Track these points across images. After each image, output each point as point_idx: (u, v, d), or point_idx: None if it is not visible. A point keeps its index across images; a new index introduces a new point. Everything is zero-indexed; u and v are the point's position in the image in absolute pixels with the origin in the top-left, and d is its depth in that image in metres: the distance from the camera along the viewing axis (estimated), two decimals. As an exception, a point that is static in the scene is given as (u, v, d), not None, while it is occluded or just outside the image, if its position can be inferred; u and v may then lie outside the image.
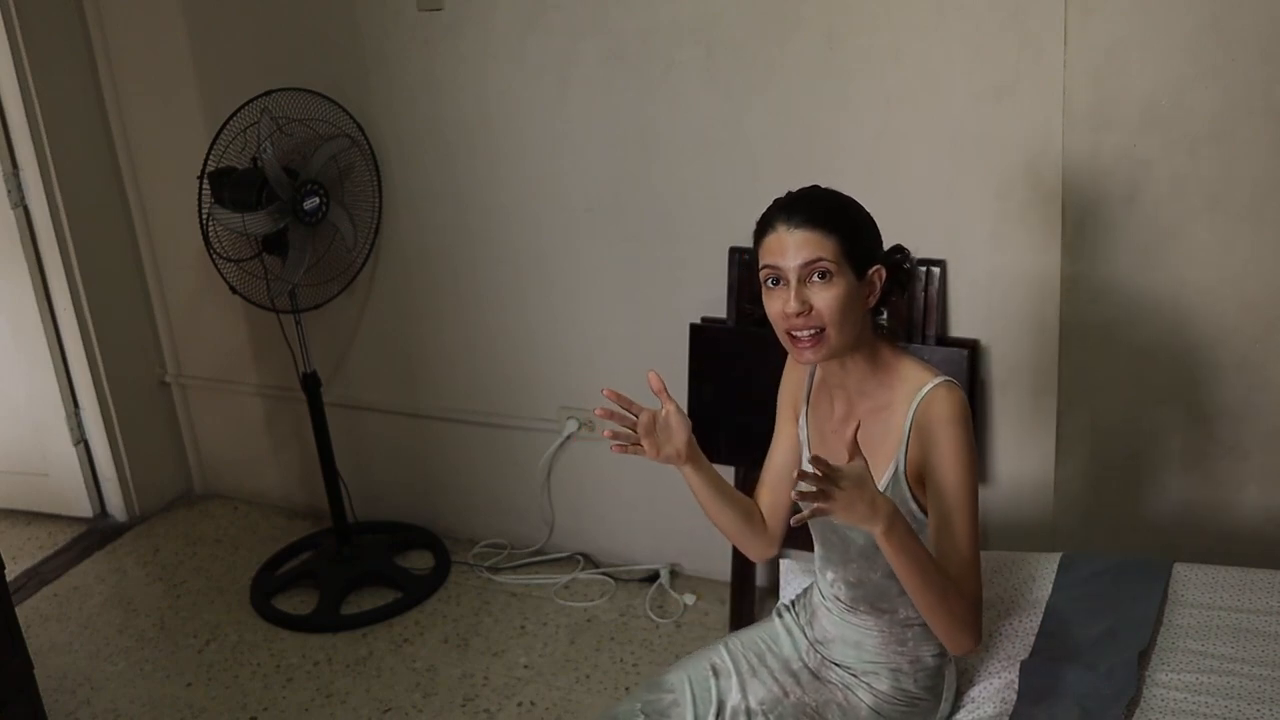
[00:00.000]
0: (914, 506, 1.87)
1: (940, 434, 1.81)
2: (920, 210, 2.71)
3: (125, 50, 3.55)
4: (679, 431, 1.93)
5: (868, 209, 1.90)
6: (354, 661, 3.13)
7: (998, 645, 2.16)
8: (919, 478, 1.86)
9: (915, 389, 1.85)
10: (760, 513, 2.08)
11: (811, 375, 2.02)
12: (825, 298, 1.79)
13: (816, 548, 2.05)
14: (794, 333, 1.82)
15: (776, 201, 1.87)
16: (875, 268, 1.84)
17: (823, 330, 1.80)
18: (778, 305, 1.82)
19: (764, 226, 1.85)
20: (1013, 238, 2.67)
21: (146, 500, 3.91)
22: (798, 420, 2.05)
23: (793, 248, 1.80)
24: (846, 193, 1.90)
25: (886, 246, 1.91)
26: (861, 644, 1.99)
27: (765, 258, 1.84)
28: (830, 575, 2.02)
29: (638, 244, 3.08)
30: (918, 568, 1.74)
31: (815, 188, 1.89)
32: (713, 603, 3.24)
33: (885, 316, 1.94)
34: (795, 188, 1.91)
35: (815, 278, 1.80)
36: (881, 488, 1.87)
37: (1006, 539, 2.86)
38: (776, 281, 1.83)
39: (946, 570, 1.79)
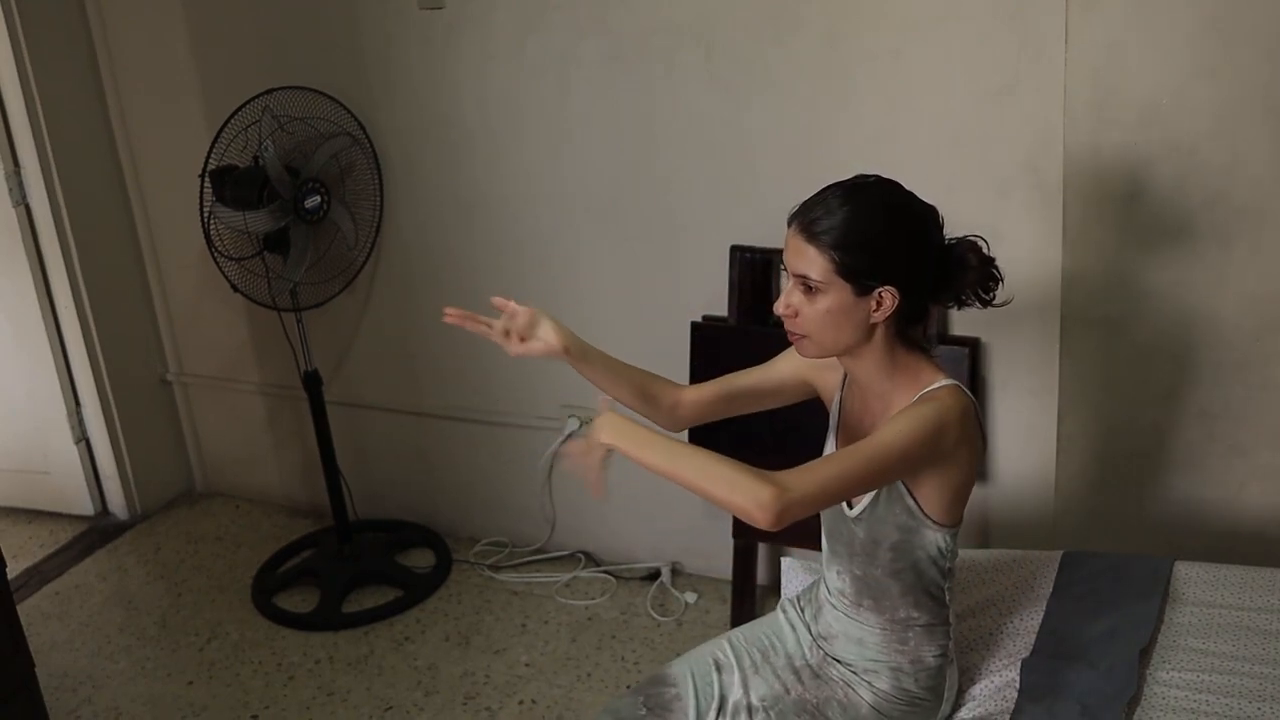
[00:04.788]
0: (910, 502, 1.88)
1: (909, 409, 1.82)
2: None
3: (127, 48, 3.55)
4: (540, 324, 2.05)
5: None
6: (355, 660, 3.13)
7: (999, 643, 2.17)
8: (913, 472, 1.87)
9: (920, 389, 1.86)
10: (658, 392, 2.10)
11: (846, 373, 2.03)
12: (808, 310, 1.83)
13: (824, 542, 2.07)
14: (785, 326, 1.89)
15: (814, 196, 1.85)
16: (883, 288, 1.80)
17: (806, 334, 1.86)
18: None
19: (791, 216, 1.86)
20: (1014, 236, 2.67)
21: (148, 498, 3.91)
22: (799, 383, 2.10)
23: (793, 254, 1.83)
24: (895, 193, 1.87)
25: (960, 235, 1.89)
26: (864, 641, 1.99)
27: (784, 246, 1.86)
28: (837, 569, 2.03)
29: (638, 243, 3.08)
30: (664, 463, 1.84)
31: (852, 190, 1.82)
32: (714, 601, 3.24)
33: (919, 324, 1.93)
34: (846, 176, 1.88)
35: (804, 288, 1.83)
36: None
37: (1007, 538, 2.86)
38: (786, 272, 1.87)
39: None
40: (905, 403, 1.87)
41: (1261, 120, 2.40)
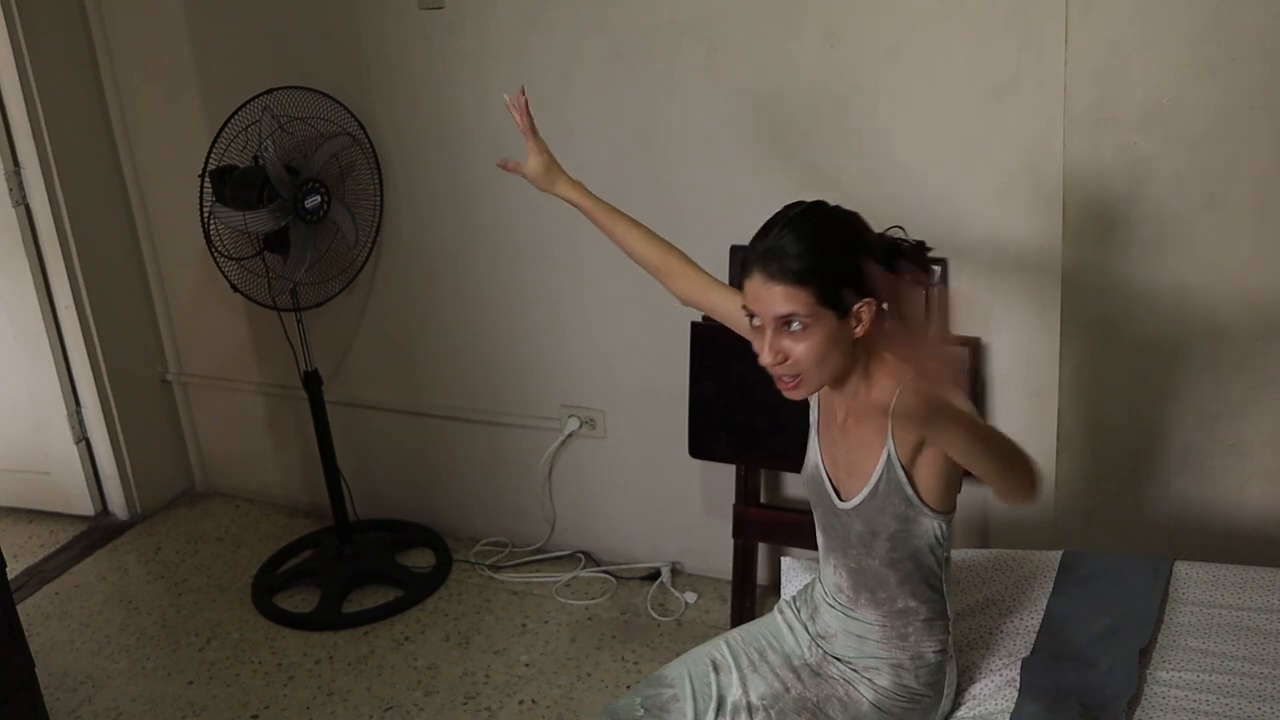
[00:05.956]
0: (909, 492, 1.88)
1: (919, 397, 1.81)
2: (921, 208, 2.71)
3: (127, 48, 3.55)
4: (530, 158, 2.22)
5: (867, 217, 1.87)
6: (355, 660, 3.13)
7: (999, 643, 2.17)
8: (910, 456, 1.87)
9: (900, 378, 1.86)
10: (679, 265, 2.19)
11: None
12: (800, 348, 1.82)
13: (819, 537, 2.07)
14: (773, 374, 1.86)
15: (757, 239, 1.84)
16: (861, 304, 1.81)
17: (801, 374, 1.84)
18: (758, 346, 1.86)
19: (745, 266, 1.85)
20: (1014, 236, 2.67)
21: (148, 498, 3.91)
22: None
23: (766, 300, 1.81)
24: (841, 203, 1.88)
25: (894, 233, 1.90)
26: (864, 637, 1.99)
27: (745, 299, 1.86)
28: (833, 564, 2.03)
29: (639, 242, 3.08)
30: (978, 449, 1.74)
31: (797, 220, 1.83)
32: (714, 601, 3.24)
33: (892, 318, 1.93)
34: (792, 201, 1.90)
35: (790, 327, 1.81)
36: (876, 474, 1.90)
37: (1007, 537, 2.86)
38: (756, 319, 1.85)
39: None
40: (886, 392, 1.87)
41: (1261, 119, 2.40)
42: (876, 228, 1.91)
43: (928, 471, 1.88)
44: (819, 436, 2.03)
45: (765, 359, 1.84)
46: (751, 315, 1.86)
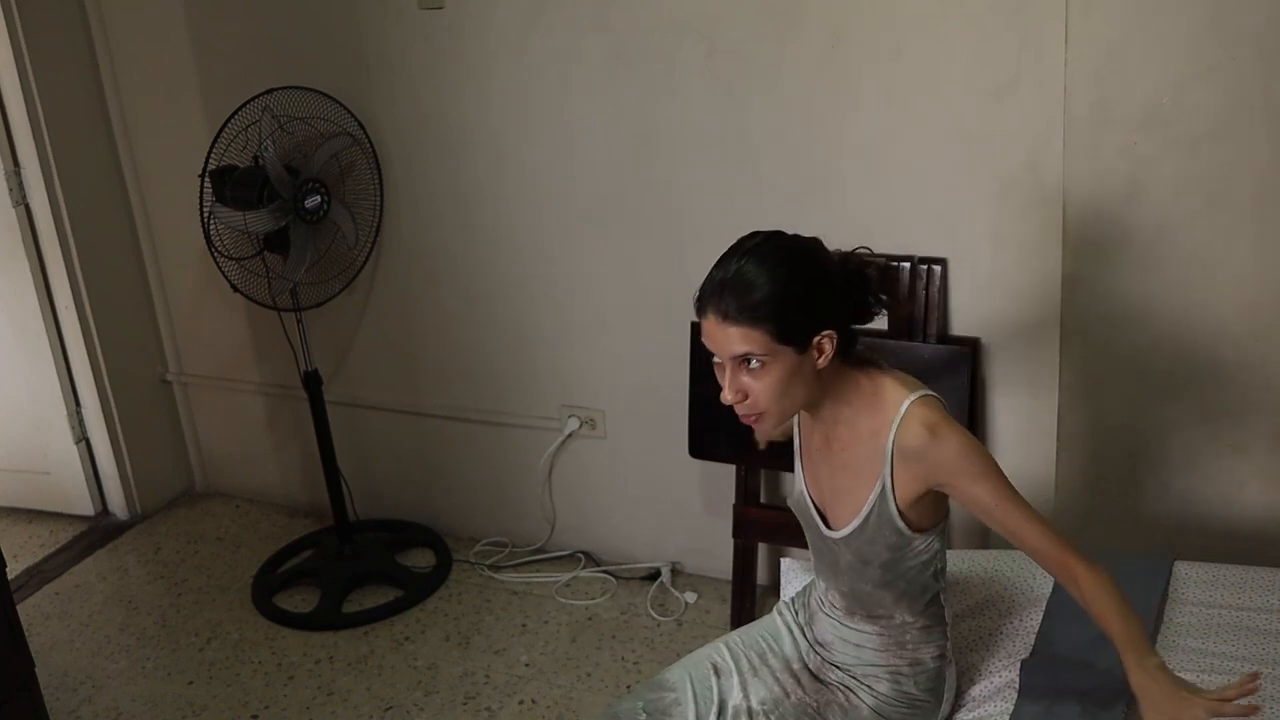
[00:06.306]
0: (900, 524, 1.87)
1: (935, 454, 1.80)
2: (921, 209, 2.72)
3: (127, 48, 3.55)
4: None
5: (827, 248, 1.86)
6: (355, 660, 3.13)
7: (998, 644, 2.16)
8: (911, 499, 1.86)
9: (894, 411, 1.84)
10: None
11: None
12: (759, 386, 1.80)
13: (811, 556, 2.06)
14: (737, 412, 1.85)
15: (710, 278, 1.82)
16: (821, 336, 1.79)
17: (762, 411, 1.83)
18: (720, 382, 1.84)
19: (699, 305, 1.83)
20: (1013, 236, 2.67)
21: (148, 498, 3.91)
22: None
23: (722, 341, 1.80)
24: (803, 229, 1.87)
25: (867, 248, 1.88)
26: (862, 646, 1.99)
27: (703, 337, 1.84)
28: (824, 584, 2.03)
29: (639, 241, 3.08)
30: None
31: (753, 254, 1.80)
32: (714, 601, 3.24)
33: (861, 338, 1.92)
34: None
35: (749, 365, 1.80)
36: (867, 508, 1.88)
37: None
38: (716, 356, 1.84)
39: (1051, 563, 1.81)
40: (877, 426, 1.85)
41: (1261, 120, 2.40)
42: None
43: (924, 506, 1.87)
44: (801, 461, 2.03)
45: (726, 397, 1.83)
46: (712, 354, 1.84)
